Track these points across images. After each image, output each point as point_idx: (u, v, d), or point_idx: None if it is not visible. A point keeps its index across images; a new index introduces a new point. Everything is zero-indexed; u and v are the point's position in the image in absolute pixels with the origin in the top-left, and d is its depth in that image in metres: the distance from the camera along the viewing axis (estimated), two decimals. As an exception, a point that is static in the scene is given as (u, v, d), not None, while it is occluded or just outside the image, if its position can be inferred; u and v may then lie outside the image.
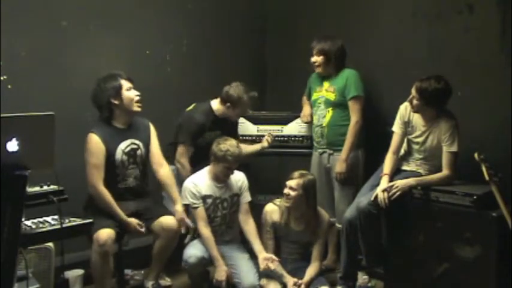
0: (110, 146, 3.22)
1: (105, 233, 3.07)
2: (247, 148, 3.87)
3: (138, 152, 3.34)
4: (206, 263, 3.40)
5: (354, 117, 3.67)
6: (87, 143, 3.18)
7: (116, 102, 3.22)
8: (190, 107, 3.78)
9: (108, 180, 3.22)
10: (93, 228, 3.00)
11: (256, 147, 3.91)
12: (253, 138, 4.14)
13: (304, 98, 4.08)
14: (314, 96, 3.88)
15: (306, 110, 4.03)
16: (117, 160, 3.26)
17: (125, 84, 3.26)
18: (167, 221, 3.33)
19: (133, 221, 3.24)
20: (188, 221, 3.38)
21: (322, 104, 3.79)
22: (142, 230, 3.26)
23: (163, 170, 3.43)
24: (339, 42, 3.74)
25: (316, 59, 3.75)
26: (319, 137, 3.82)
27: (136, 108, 3.28)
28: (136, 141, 3.34)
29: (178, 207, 3.37)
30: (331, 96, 3.74)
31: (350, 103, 3.68)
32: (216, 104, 3.75)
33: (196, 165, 3.67)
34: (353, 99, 3.67)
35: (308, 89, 4.01)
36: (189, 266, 3.38)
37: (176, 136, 3.71)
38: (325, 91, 3.78)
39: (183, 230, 3.38)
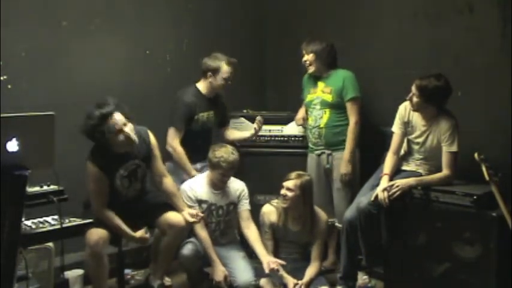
0: (108, 174, 3.12)
1: (97, 234, 3.00)
2: (235, 134, 3.92)
3: (139, 170, 3.26)
4: (201, 256, 3.41)
5: (354, 118, 3.68)
6: (86, 171, 3.09)
7: (109, 137, 3.02)
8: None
9: (111, 199, 3.16)
10: (86, 228, 2.85)
11: (246, 134, 3.91)
12: (253, 138, 4.14)
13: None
14: (308, 97, 3.86)
15: (300, 113, 4.03)
16: (116, 184, 3.18)
17: (119, 120, 3.01)
18: (173, 217, 3.27)
19: (139, 235, 3.19)
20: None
21: (318, 105, 3.78)
22: (147, 235, 3.22)
23: (166, 181, 3.38)
24: (329, 42, 3.76)
25: (307, 57, 3.76)
26: (316, 138, 3.81)
27: (134, 138, 3.08)
28: (136, 161, 3.22)
29: (186, 213, 3.32)
30: (328, 98, 3.73)
31: (348, 104, 3.69)
32: (200, 84, 3.76)
33: (195, 152, 3.70)
34: (351, 100, 3.68)
35: (303, 89, 3.99)
36: (184, 258, 3.39)
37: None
38: (321, 92, 3.77)
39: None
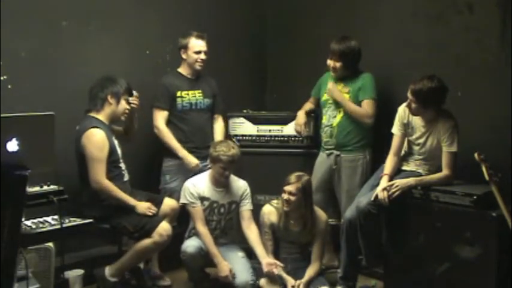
0: (111, 142, 3.29)
1: (167, 225, 3.27)
2: (217, 135, 3.91)
3: (120, 147, 3.44)
4: (204, 254, 3.42)
5: (367, 113, 3.63)
6: (90, 138, 3.19)
7: (111, 102, 3.33)
8: None
9: (111, 177, 3.26)
10: (150, 226, 3.20)
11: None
12: (253, 138, 4.14)
13: (308, 103, 4.00)
14: (325, 96, 3.82)
15: (301, 118, 3.94)
16: (117, 152, 3.35)
17: (126, 95, 3.41)
18: (171, 202, 3.53)
19: (143, 204, 3.32)
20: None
21: (334, 104, 3.75)
22: (153, 210, 3.33)
23: None
24: (356, 45, 3.65)
25: (335, 64, 3.65)
26: (327, 137, 3.78)
27: (123, 118, 3.46)
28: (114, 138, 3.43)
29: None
30: (345, 98, 3.70)
31: (363, 104, 3.63)
32: (181, 67, 3.86)
33: (190, 135, 3.79)
34: (366, 100, 3.63)
35: (318, 86, 3.94)
36: (187, 256, 3.41)
37: None
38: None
39: None
